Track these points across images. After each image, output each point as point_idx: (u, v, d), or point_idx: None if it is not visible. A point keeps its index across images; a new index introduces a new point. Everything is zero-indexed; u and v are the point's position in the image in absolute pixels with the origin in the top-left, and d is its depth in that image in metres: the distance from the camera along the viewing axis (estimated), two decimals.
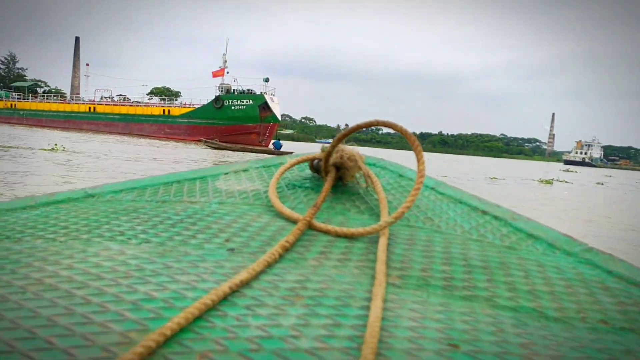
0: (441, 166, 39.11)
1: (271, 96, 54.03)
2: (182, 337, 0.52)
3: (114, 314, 0.55)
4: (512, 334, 0.61)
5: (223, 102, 53.24)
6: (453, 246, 0.90)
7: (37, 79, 71.59)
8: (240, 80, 66.99)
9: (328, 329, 0.57)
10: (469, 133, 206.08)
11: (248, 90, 54.37)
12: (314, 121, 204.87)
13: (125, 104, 61.11)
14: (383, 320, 0.60)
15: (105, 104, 62.11)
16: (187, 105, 57.49)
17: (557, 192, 20.40)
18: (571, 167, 64.97)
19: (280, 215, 1.00)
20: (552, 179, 25.53)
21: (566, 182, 27.37)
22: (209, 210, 1.01)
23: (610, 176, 50.87)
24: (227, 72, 56.42)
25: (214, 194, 1.14)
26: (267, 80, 54.25)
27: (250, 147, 37.31)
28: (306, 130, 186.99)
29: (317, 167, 1.18)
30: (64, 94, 73.39)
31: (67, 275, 0.65)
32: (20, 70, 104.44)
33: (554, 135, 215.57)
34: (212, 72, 56.36)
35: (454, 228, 1.02)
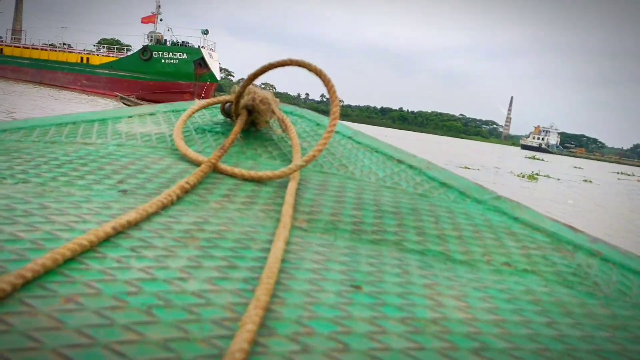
0: (402, 146, 33.40)
1: (210, 51, 46.50)
2: (46, 279, 0.47)
3: None
4: (417, 275, 0.61)
5: (152, 54, 45.37)
6: (365, 193, 0.90)
7: None
8: (177, 30, 58.57)
9: (221, 271, 0.55)
10: (429, 111, 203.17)
11: (183, 42, 46.60)
12: (274, 88, 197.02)
13: (37, 47, 51.99)
14: (284, 262, 0.58)
15: (15, 46, 52.85)
16: (111, 55, 49.02)
17: (552, 193, 14.77)
18: (537, 154, 60.69)
19: (184, 158, 0.95)
20: (535, 174, 19.97)
21: (549, 176, 21.91)
22: (104, 152, 0.94)
23: (580, 168, 46.64)
24: (161, 20, 48.30)
25: (113, 136, 1.06)
26: (205, 32, 46.61)
27: None
28: None
29: (229, 110, 1.12)
30: None
31: None
32: None
33: (510, 118, 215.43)
34: (142, 18, 48.08)
35: (368, 176, 1.01)
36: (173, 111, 1.26)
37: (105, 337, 0.41)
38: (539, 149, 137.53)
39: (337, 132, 1.20)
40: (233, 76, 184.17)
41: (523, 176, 19.66)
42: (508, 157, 46.62)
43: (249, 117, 1.07)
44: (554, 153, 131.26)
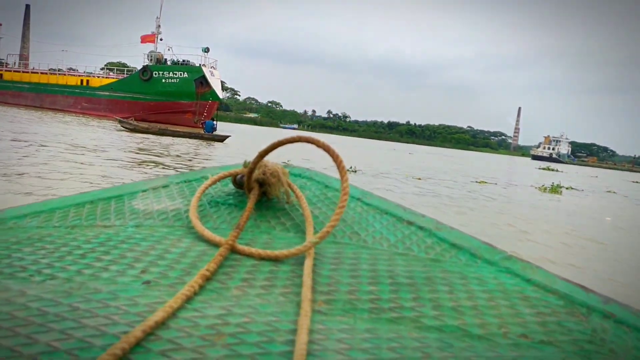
0: (411, 161, 31.83)
1: (211, 69, 45.53)
2: None
3: None
4: (437, 358, 0.62)
5: (152, 74, 44.49)
6: (379, 262, 0.91)
7: None
8: (178, 49, 57.79)
9: None
10: (437, 124, 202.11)
11: (184, 61, 45.70)
12: (281, 105, 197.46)
13: (37, 71, 51.36)
14: (308, 355, 0.58)
15: (14, 71, 52.27)
16: (111, 76, 48.18)
17: (583, 208, 13.20)
18: (551, 165, 58.90)
19: (201, 238, 0.95)
20: (557, 186, 18.40)
21: (572, 188, 20.32)
22: (124, 235, 0.95)
23: (596, 177, 44.83)
24: (161, 40, 47.55)
25: (131, 215, 1.07)
26: (206, 50, 45.67)
27: (174, 128, 28.82)
28: (271, 115, 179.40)
29: (240, 182, 1.15)
30: None
31: None
32: None
33: (519, 129, 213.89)
34: (141, 37, 47.35)
35: (380, 242, 1.02)
36: (185, 182, 1.26)
37: None
38: (550, 158, 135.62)
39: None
40: (239, 95, 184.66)
41: (545, 189, 18.14)
42: (521, 169, 45.04)
43: (260, 190, 1.10)
44: (566, 162, 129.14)
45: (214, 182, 1.16)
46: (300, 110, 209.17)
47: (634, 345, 0.72)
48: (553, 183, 19.72)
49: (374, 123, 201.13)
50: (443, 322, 0.72)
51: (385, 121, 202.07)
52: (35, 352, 0.53)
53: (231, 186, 1.21)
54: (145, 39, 47.09)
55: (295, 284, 0.79)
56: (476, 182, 18.10)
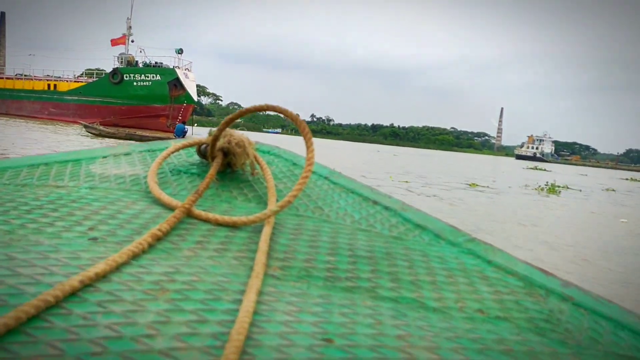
0: (396, 163, 30.20)
1: (185, 71, 43.49)
2: (8, 340, 0.46)
3: None
4: (389, 326, 0.62)
5: (122, 77, 42.29)
6: (340, 236, 0.90)
7: None
8: (153, 52, 55.62)
9: (191, 326, 0.53)
10: (420, 126, 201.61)
11: (156, 63, 43.60)
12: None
13: (2, 76, 48.86)
14: (255, 314, 0.57)
15: None
16: (80, 80, 45.85)
17: (589, 208, 11.62)
18: (538, 164, 57.80)
19: (158, 202, 0.93)
20: (553, 186, 16.86)
21: (568, 187, 18.81)
22: (76, 195, 0.92)
23: (585, 175, 43.67)
24: (132, 41, 45.33)
25: (86, 178, 1.04)
26: (180, 51, 43.61)
27: (142, 133, 26.81)
28: (254, 120, 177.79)
29: (205, 152, 1.13)
30: None
31: None
32: None
33: (502, 129, 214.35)
34: (111, 40, 45.14)
35: (344, 218, 1.01)
36: (149, 151, 1.23)
37: None
38: (534, 158, 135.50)
39: (313, 173, 1.17)
40: (221, 100, 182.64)
41: (542, 189, 16.57)
42: (508, 168, 43.74)
43: (224, 159, 1.08)
44: (550, 161, 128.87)
45: (177, 150, 1.14)
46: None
47: (589, 326, 0.72)
48: (547, 182, 18.20)
49: (358, 126, 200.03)
50: (399, 294, 0.72)
51: (369, 124, 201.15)
52: None
53: (196, 156, 1.18)
54: (115, 42, 44.90)
55: (250, 250, 0.77)
56: (467, 184, 16.47)
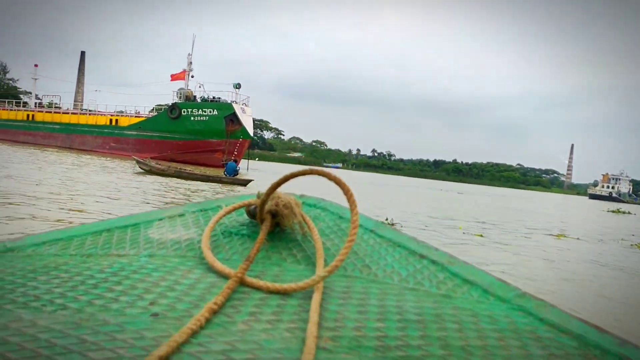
0: (462, 205, 27.54)
1: (242, 106, 43.01)
2: None
3: None
4: None
5: (180, 111, 42.30)
6: (388, 298, 0.90)
7: (30, 91, 61.96)
8: (210, 86, 55.89)
9: None
10: (484, 162, 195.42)
11: (214, 98, 43.43)
12: (325, 145, 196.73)
13: (68, 111, 50.34)
14: None
15: (46, 112, 51.46)
16: (140, 115, 46.37)
17: None
18: (620, 207, 52.93)
19: (212, 269, 0.96)
20: None
21: None
22: (136, 265, 0.95)
23: None
24: (192, 77, 45.55)
25: (145, 244, 1.08)
26: (237, 86, 43.27)
27: (191, 170, 25.84)
28: (315, 154, 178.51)
29: (254, 213, 1.16)
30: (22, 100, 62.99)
31: None
32: (10, 81, 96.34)
33: (572, 166, 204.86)
34: (171, 75, 45.53)
35: (391, 276, 1.01)
36: (201, 211, 1.27)
37: None
38: (609, 198, 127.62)
39: (360, 226, 1.18)
40: (283, 135, 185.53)
41: None
42: (586, 212, 39.69)
43: (273, 220, 1.11)
44: (627, 202, 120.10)
45: (228, 213, 1.18)
46: (344, 149, 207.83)
47: None
48: None
49: (420, 161, 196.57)
50: None
51: (431, 159, 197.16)
52: None
53: (245, 216, 1.21)
54: (175, 77, 45.29)
55: (301, 319, 0.78)
56: (551, 235, 13.85)
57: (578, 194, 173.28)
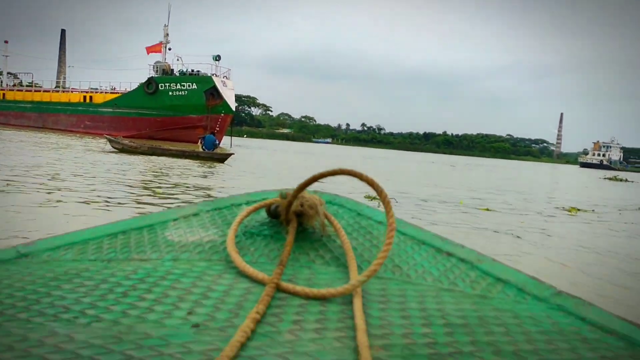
0: (456, 177, 25.93)
1: (223, 79, 40.76)
2: None
3: None
4: None
5: (157, 86, 40.00)
6: (427, 300, 0.89)
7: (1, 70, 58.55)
8: (189, 59, 53.22)
9: None
10: (474, 133, 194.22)
11: (192, 71, 41.14)
12: (314, 120, 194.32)
13: (40, 89, 47.77)
14: None
15: (17, 90, 48.80)
16: (116, 91, 43.94)
17: None
18: (617, 174, 51.68)
19: (242, 274, 0.95)
20: None
21: None
22: (163, 270, 0.94)
23: None
24: (169, 49, 43.14)
25: (166, 247, 1.06)
26: (217, 58, 40.93)
27: (167, 147, 23.84)
28: (304, 130, 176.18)
29: (275, 212, 1.15)
30: None
31: None
32: None
33: (561, 136, 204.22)
34: (146, 48, 43.07)
35: (424, 276, 1.00)
36: (216, 209, 1.26)
37: None
38: (600, 165, 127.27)
39: (380, 223, 1.19)
40: (271, 111, 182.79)
41: None
42: (584, 181, 38.31)
43: (298, 221, 1.10)
44: (618, 169, 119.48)
45: (249, 214, 1.15)
46: (334, 124, 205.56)
47: None
48: None
49: (410, 134, 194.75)
50: None
51: (421, 132, 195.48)
52: None
53: (263, 215, 1.19)
54: (151, 49, 42.86)
55: (347, 327, 0.77)
56: (563, 209, 12.19)
57: (568, 162, 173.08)
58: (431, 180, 21.14)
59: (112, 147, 23.24)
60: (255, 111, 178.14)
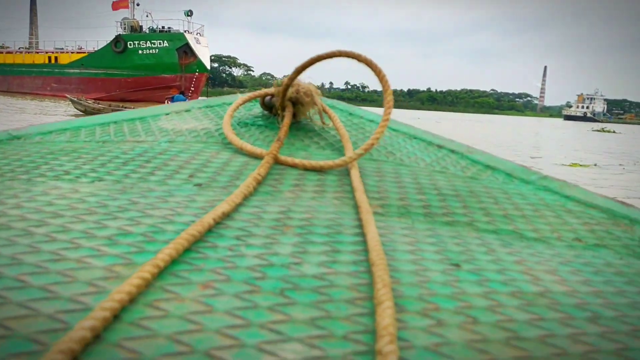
0: (442, 133, 24.64)
1: (197, 36, 38.53)
2: (175, 269, 0.49)
3: (88, 250, 0.52)
4: (503, 253, 0.64)
5: (126, 44, 37.67)
6: (420, 177, 0.93)
7: None
8: (159, 15, 50.59)
9: (329, 255, 0.57)
10: (459, 89, 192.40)
11: (163, 28, 38.78)
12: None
13: (3, 51, 45.04)
14: (382, 245, 0.60)
15: None
16: (82, 50, 41.48)
17: None
18: (605, 126, 50.89)
19: (240, 151, 0.97)
20: None
21: None
22: (159, 148, 0.95)
23: None
24: (137, 5, 40.55)
25: (161, 133, 1.08)
26: (189, 13, 38.58)
27: (131, 107, 22.17)
28: None
29: (269, 104, 1.14)
30: None
31: (17, 214, 0.59)
32: None
33: (544, 89, 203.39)
34: (112, 3, 40.42)
35: (417, 161, 1.04)
36: (208, 107, 1.26)
37: (256, 319, 0.43)
38: (584, 118, 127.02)
39: (372, 121, 1.22)
40: (252, 71, 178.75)
41: None
42: (573, 134, 37.37)
43: (292, 110, 1.09)
44: (602, 121, 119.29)
45: (244, 103, 1.15)
46: (317, 83, 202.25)
47: None
48: None
49: (394, 91, 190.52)
50: (497, 227, 0.74)
51: (405, 89, 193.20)
52: (108, 234, 0.55)
53: (257, 110, 1.19)
54: (117, 5, 40.18)
55: (345, 191, 0.79)
56: (562, 165, 11.07)
57: (551, 116, 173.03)
58: None
59: (76, 108, 21.66)
60: (237, 72, 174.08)
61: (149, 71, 37.18)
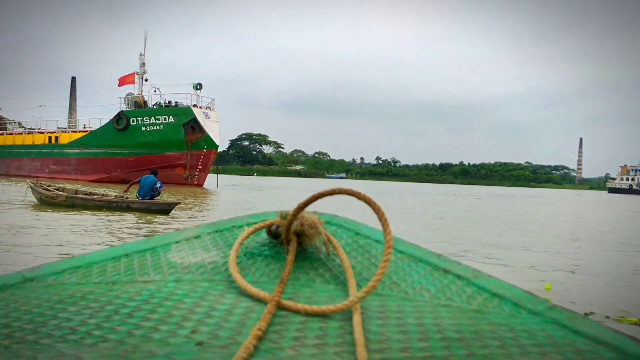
0: (488, 211, 19.44)
1: (205, 110, 35.08)
2: None
3: None
4: None
5: (128, 121, 34.42)
6: (425, 316, 0.91)
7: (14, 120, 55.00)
8: (167, 89, 47.99)
9: None
10: (492, 162, 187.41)
11: (169, 103, 35.63)
12: (328, 156, 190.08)
13: (3, 132, 42.74)
14: None
15: None
16: (83, 130, 38.60)
17: None
18: None
19: (244, 293, 0.98)
20: None
21: None
22: (166, 291, 0.96)
23: None
24: (146, 80, 37.78)
25: (169, 269, 1.09)
26: (198, 87, 35.37)
27: (87, 196, 17.61)
28: (318, 166, 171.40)
29: (275, 233, 1.17)
30: None
31: None
32: None
33: (581, 161, 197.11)
34: (119, 79, 37.84)
35: (421, 293, 1.03)
36: (217, 232, 1.28)
37: None
38: (630, 190, 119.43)
39: (378, 242, 1.22)
40: (283, 148, 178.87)
41: None
42: (628, 210, 31.54)
43: (297, 241, 1.13)
44: None
45: (250, 234, 1.18)
46: (348, 159, 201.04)
47: None
48: None
49: (426, 166, 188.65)
50: None
51: (437, 163, 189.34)
52: None
53: (264, 236, 1.23)
54: (123, 81, 37.68)
55: (347, 342, 0.80)
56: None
57: (591, 188, 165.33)
58: (462, 218, 14.85)
59: (34, 195, 17.70)
60: (267, 149, 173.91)
61: (152, 149, 33.81)
